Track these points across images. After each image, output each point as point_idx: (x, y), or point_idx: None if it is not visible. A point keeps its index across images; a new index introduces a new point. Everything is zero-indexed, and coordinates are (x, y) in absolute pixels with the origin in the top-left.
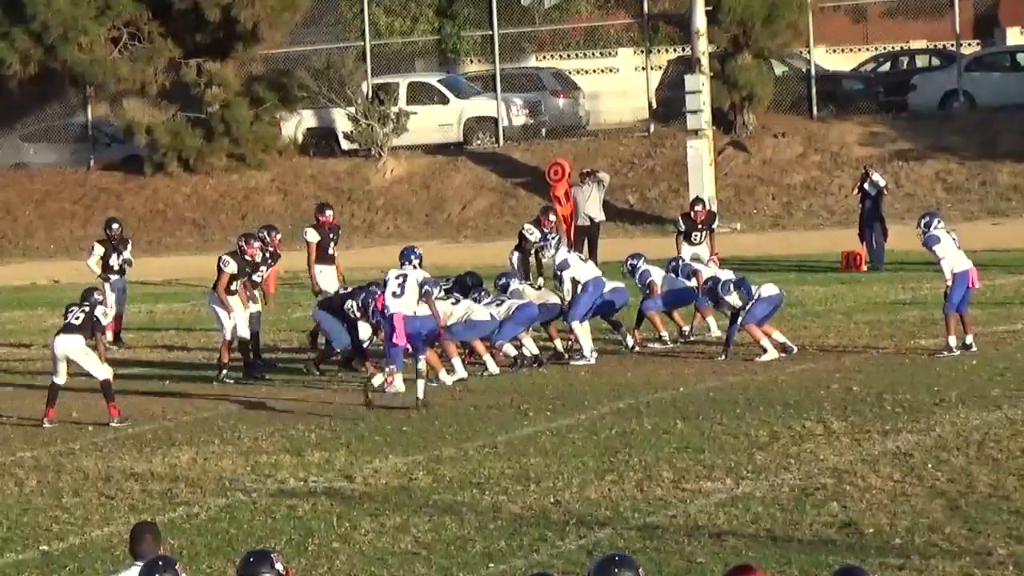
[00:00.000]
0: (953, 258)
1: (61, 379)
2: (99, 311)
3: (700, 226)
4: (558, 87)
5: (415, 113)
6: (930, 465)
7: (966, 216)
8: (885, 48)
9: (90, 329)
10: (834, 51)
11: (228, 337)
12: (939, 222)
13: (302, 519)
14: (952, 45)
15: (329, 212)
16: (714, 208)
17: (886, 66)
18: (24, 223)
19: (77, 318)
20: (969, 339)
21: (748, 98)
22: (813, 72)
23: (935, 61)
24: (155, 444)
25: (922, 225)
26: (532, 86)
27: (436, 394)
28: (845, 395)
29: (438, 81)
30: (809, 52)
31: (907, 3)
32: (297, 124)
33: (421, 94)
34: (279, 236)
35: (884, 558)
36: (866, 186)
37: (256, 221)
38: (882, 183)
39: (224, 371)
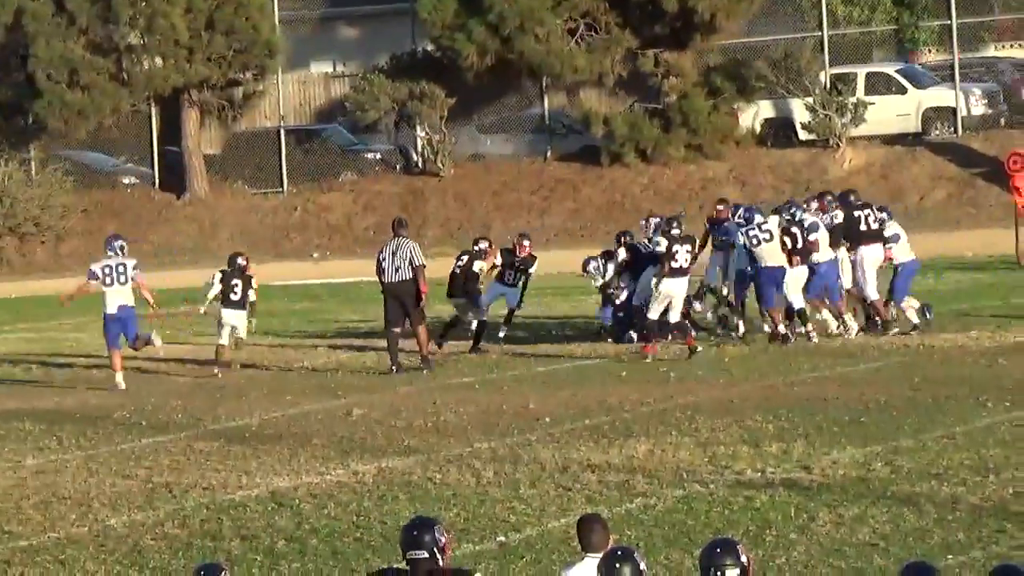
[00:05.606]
0: None
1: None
2: None
3: None
4: (1018, 76)
5: (873, 103)
6: None
7: None
8: None
9: None
10: None
11: None
12: None
13: (759, 510)
14: None
15: None
16: None
17: None
18: (481, 214)
19: None
20: None
21: None
22: None
23: None
24: (612, 436)
25: None
26: (991, 76)
27: (891, 386)
28: None
29: (896, 71)
30: None
31: None
32: (755, 114)
33: (879, 84)
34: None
35: None
36: None
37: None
38: None
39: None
